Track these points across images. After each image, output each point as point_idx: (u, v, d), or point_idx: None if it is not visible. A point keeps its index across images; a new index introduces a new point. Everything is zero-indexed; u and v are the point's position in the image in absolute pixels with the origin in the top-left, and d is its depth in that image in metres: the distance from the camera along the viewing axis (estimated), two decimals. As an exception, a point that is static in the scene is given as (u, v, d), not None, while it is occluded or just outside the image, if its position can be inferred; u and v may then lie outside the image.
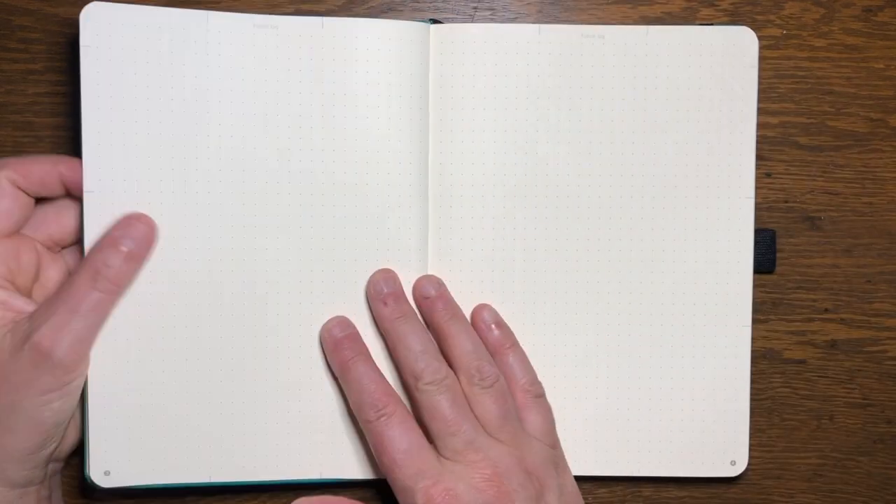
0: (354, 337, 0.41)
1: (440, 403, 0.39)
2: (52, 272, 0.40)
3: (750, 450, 0.43)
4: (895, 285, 0.45)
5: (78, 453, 0.42)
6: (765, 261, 0.44)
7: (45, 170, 0.39)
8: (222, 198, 0.40)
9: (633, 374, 0.43)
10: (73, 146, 0.43)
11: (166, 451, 0.40)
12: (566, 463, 0.41)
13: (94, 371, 0.40)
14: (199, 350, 0.41)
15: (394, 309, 0.40)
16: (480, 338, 0.41)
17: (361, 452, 0.41)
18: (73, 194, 0.40)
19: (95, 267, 0.38)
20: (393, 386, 0.40)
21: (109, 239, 0.38)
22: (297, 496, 0.44)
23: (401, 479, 0.37)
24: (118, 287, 0.38)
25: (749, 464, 0.43)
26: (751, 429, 0.44)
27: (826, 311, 0.45)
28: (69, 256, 0.41)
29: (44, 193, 0.39)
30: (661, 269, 0.43)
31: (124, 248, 0.38)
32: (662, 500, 0.45)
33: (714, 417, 0.43)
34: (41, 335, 0.36)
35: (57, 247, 0.41)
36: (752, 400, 0.43)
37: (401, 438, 0.38)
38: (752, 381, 0.44)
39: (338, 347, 0.40)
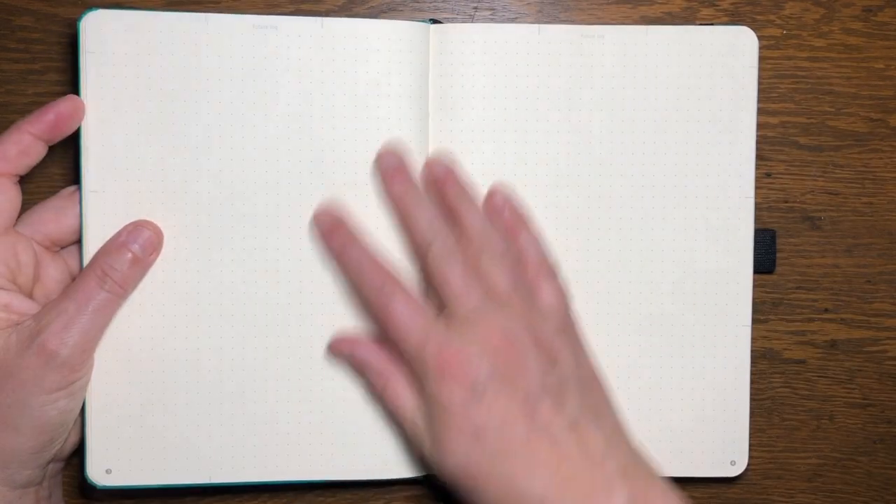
0: (343, 223, 0.40)
1: (450, 269, 0.38)
2: (52, 271, 0.40)
3: (750, 450, 0.43)
4: (895, 285, 0.45)
5: (78, 453, 0.42)
6: (765, 261, 0.44)
7: (16, 140, 0.38)
8: (222, 198, 0.40)
9: (633, 374, 0.43)
10: (72, 146, 0.43)
11: (167, 451, 0.41)
12: (582, 342, 0.40)
13: (96, 370, 0.40)
14: (199, 350, 0.41)
15: (401, 184, 0.40)
16: (492, 219, 0.41)
17: (363, 453, 0.41)
18: (57, 139, 0.39)
19: (103, 269, 0.38)
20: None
21: (117, 243, 0.39)
22: (297, 497, 0.44)
23: (412, 347, 0.37)
24: (124, 290, 0.39)
25: (749, 464, 0.43)
26: (751, 429, 0.44)
27: (826, 311, 0.45)
28: (68, 256, 0.41)
29: (30, 163, 0.39)
30: (661, 269, 0.43)
31: (131, 253, 0.39)
32: (662, 500, 0.45)
33: (714, 417, 0.43)
34: (49, 334, 0.36)
35: (55, 246, 0.41)
36: (752, 400, 0.43)
37: (406, 306, 0.38)
38: (752, 381, 0.44)
39: (331, 233, 0.40)
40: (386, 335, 0.38)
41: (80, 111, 0.39)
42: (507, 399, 0.36)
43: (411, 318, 0.37)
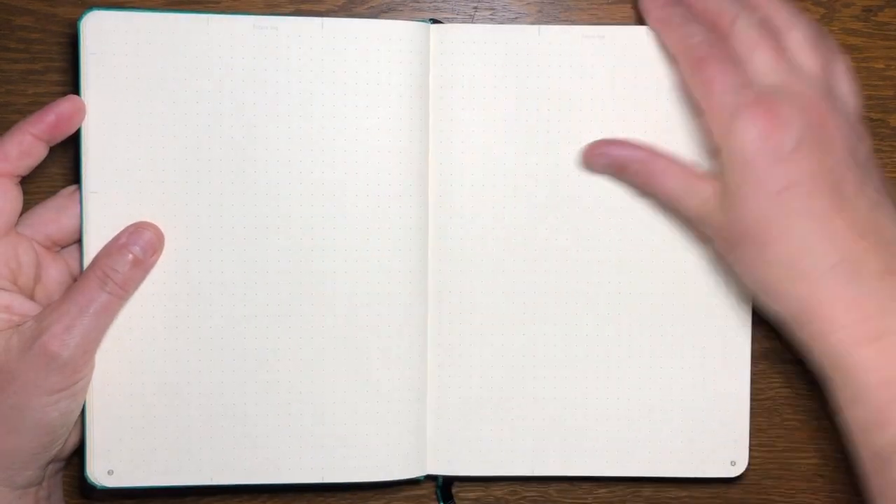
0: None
1: (761, 38, 0.37)
2: (53, 272, 0.40)
3: (750, 450, 0.43)
4: (895, 285, 0.45)
5: (78, 453, 0.42)
6: (765, 261, 0.44)
7: (18, 141, 0.38)
8: (223, 198, 0.40)
9: (633, 375, 0.43)
10: (72, 146, 0.43)
11: (168, 452, 0.41)
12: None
13: (98, 370, 0.40)
14: (200, 350, 0.41)
15: (664, 10, 0.40)
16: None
17: (363, 454, 0.41)
18: (58, 140, 0.39)
19: (104, 270, 0.38)
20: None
21: (118, 245, 0.39)
22: (296, 497, 0.44)
23: (719, 94, 0.37)
24: (125, 291, 0.39)
25: (749, 464, 0.43)
26: (751, 429, 0.44)
27: (826, 311, 0.45)
28: (69, 257, 0.41)
29: (31, 164, 0.39)
30: (661, 269, 0.43)
31: (132, 255, 0.39)
32: (662, 500, 0.45)
33: (714, 417, 0.43)
34: (50, 335, 0.36)
35: (56, 247, 0.41)
36: (752, 400, 0.43)
37: (722, 59, 0.37)
38: (753, 381, 0.44)
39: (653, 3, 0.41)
40: (697, 90, 0.38)
41: (80, 111, 0.39)
42: (817, 162, 0.35)
43: (723, 70, 0.37)
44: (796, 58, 0.38)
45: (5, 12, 0.43)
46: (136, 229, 0.40)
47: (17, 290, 0.39)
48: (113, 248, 0.39)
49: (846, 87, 0.39)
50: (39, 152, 0.39)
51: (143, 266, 0.40)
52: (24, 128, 0.38)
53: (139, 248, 0.39)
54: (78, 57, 0.40)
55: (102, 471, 0.40)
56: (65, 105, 0.39)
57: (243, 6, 0.44)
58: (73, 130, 0.39)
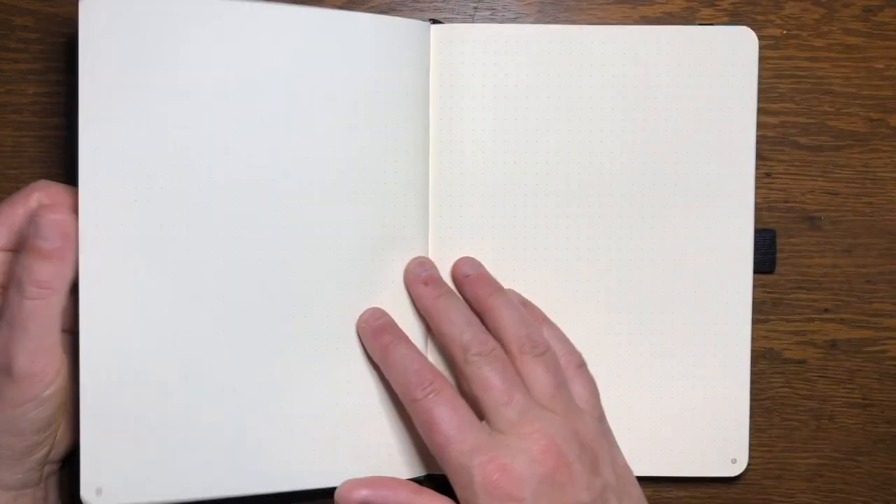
0: (390, 323, 0.40)
1: (491, 374, 0.37)
2: None
3: (750, 450, 0.43)
4: (895, 285, 0.45)
5: (76, 457, 0.41)
6: (765, 261, 0.44)
7: (77, 202, 0.37)
8: (220, 198, 0.39)
9: (634, 374, 0.43)
10: (72, 146, 0.43)
11: (160, 466, 0.39)
12: (613, 436, 0.40)
13: (86, 383, 0.38)
14: (190, 360, 0.39)
15: (433, 287, 0.40)
16: None
17: (367, 456, 0.41)
18: None
19: (18, 276, 0.35)
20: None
21: (24, 244, 0.36)
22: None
23: (455, 458, 0.36)
24: (49, 289, 0.35)
25: (749, 464, 0.43)
26: (751, 429, 0.44)
27: (826, 311, 0.45)
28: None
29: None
30: (661, 269, 0.43)
31: (40, 249, 0.35)
32: (662, 500, 0.45)
33: (714, 417, 0.43)
34: None
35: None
36: (752, 400, 0.43)
37: (452, 415, 0.37)
38: (752, 381, 0.44)
39: (376, 334, 0.40)
40: (426, 440, 0.38)
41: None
42: None
43: (457, 426, 0.36)
44: (531, 380, 0.38)
45: (5, 12, 0.43)
46: (36, 220, 0.35)
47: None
48: (22, 249, 0.36)
49: (584, 393, 0.40)
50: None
51: (56, 256, 0.35)
52: (33, 194, 0.37)
53: (46, 239, 0.35)
54: (77, 55, 0.39)
55: (91, 490, 0.38)
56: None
57: (243, 6, 0.44)
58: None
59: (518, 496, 0.35)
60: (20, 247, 0.36)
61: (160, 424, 0.39)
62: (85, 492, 0.38)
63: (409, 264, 0.41)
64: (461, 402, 0.37)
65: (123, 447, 0.38)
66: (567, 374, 0.40)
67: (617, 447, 0.40)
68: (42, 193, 0.37)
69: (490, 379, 0.37)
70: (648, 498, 0.45)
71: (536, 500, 0.35)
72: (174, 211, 0.39)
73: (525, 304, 0.42)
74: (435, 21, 0.42)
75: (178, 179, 0.39)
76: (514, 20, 0.44)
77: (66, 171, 0.43)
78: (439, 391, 0.37)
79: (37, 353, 0.36)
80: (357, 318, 0.41)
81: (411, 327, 0.41)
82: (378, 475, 0.40)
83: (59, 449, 0.40)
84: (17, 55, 0.43)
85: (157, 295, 0.39)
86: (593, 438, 0.38)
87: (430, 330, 0.41)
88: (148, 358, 0.38)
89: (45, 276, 0.35)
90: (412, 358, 0.39)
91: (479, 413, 0.38)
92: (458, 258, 0.42)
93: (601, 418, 0.40)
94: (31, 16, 0.43)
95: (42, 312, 0.35)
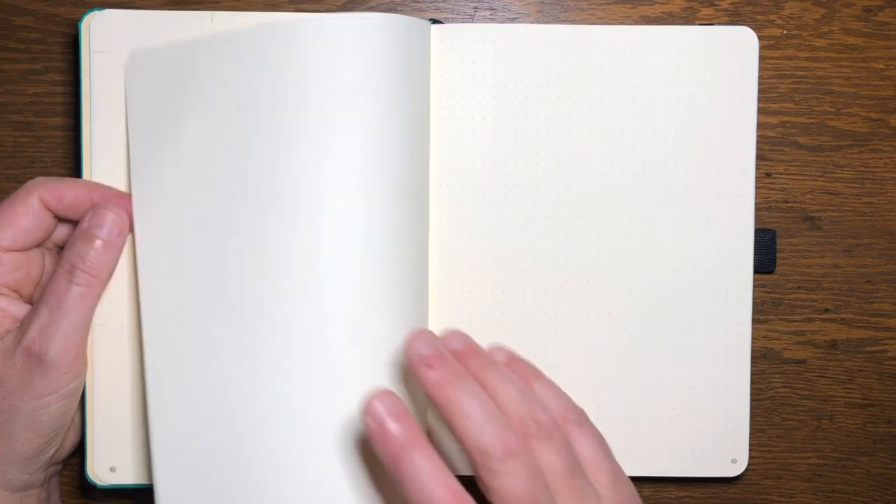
0: (403, 415, 0.33)
1: (516, 483, 0.32)
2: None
3: (750, 450, 0.43)
4: (895, 285, 0.45)
5: (77, 454, 0.42)
6: (765, 261, 0.44)
7: (76, 195, 0.38)
8: (226, 197, 0.40)
9: (634, 374, 0.43)
10: (73, 146, 0.43)
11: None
12: (630, 487, 0.37)
13: (99, 367, 0.40)
14: (201, 348, 0.40)
15: (442, 372, 0.33)
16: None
17: (363, 456, 0.41)
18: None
19: (71, 262, 0.37)
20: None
21: (81, 231, 0.38)
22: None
23: None
24: (97, 278, 0.38)
25: (749, 464, 0.43)
26: (751, 429, 0.44)
27: (826, 311, 0.45)
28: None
29: (71, 217, 0.39)
30: (661, 269, 0.43)
31: (99, 239, 0.38)
32: (662, 500, 0.45)
33: (714, 417, 0.43)
34: (29, 339, 0.36)
35: (57, 248, 0.41)
36: (752, 400, 0.43)
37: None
38: (752, 381, 0.44)
39: (386, 434, 0.32)
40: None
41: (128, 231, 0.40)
42: None
43: None
44: (545, 467, 0.33)
45: (5, 12, 0.43)
46: (96, 212, 0.38)
47: (15, 295, 0.39)
48: (77, 237, 0.38)
49: (589, 457, 0.35)
50: (87, 208, 0.39)
51: (111, 248, 0.38)
52: (92, 190, 0.39)
53: (104, 230, 0.38)
54: (78, 57, 0.40)
55: (105, 468, 0.40)
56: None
57: (243, 5, 0.44)
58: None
59: None
60: (64, 216, 0.39)
61: (169, 409, 0.40)
62: (98, 470, 0.40)
63: (407, 341, 0.34)
64: None
65: (135, 429, 0.40)
66: (570, 434, 0.36)
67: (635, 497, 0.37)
68: (98, 195, 0.39)
69: (516, 491, 0.32)
70: (648, 498, 0.45)
71: None
72: (182, 209, 0.40)
73: (514, 360, 0.38)
74: (435, 21, 0.42)
75: (188, 184, 0.40)
76: (514, 20, 0.44)
77: (67, 171, 0.44)
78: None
79: (72, 341, 0.37)
80: (364, 319, 0.40)
81: (418, 295, 0.41)
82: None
83: (64, 449, 0.40)
84: (17, 55, 0.43)
85: (165, 292, 0.40)
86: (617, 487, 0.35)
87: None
88: (156, 343, 0.40)
89: (98, 265, 0.38)
90: (431, 475, 0.32)
91: None
92: (447, 332, 0.36)
93: (615, 472, 0.36)
94: (31, 16, 0.43)
95: (87, 300, 0.37)
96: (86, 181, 0.39)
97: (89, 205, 0.39)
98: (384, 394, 0.33)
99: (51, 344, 0.36)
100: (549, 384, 0.37)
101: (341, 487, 0.39)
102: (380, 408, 0.33)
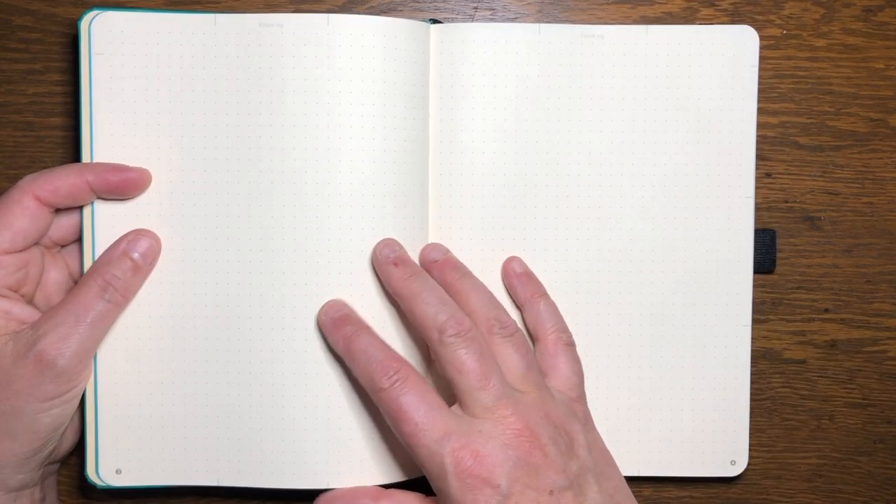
0: (351, 314, 0.39)
1: (467, 356, 0.36)
2: (54, 273, 0.40)
3: (750, 450, 0.43)
4: (895, 285, 0.45)
5: (77, 454, 0.41)
6: (765, 261, 0.44)
7: (72, 182, 0.38)
8: (228, 198, 0.40)
9: (634, 374, 0.43)
10: (73, 146, 0.43)
11: (177, 451, 0.41)
12: (592, 421, 0.40)
13: (103, 370, 0.40)
14: (207, 351, 0.41)
15: (404, 269, 0.39)
16: (511, 288, 0.42)
17: (371, 459, 0.41)
18: (110, 196, 0.40)
19: (105, 278, 0.38)
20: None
21: (118, 251, 0.39)
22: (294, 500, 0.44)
23: (426, 445, 0.35)
24: (125, 298, 0.39)
25: (749, 464, 0.43)
26: (751, 429, 0.44)
27: (826, 311, 0.45)
28: (68, 256, 0.41)
29: (71, 205, 0.39)
30: (661, 269, 0.43)
31: (131, 261, 0.39)
32: (662, 500, 0.45)
33: (714, 417, 0.43)
34: (47, 343, 0.36)
35: (56, 247, 0.41)
36: (752, 400, 0.43)
37: (420, 401, 0.35)
38: (752, 381, 0.44)
39: (337, 325, 0.39)
40: (396, 430, 0.36)
41: (144, 184, 0.40)
42: (534, 494, 0.35)
43: (426, 413, 0.35)
44: (503, 361, 0.37)
45: (5, 12, 0.43)
46: (136, 236, 0.40)
47: (17, 296, 0.39)
48: (113, 255, 0.39)
49: (567, 371, 0.40)
50: (86, 199, 0.39)
51: (142, 273, 0.40)
52: (83, 172, 0.38)
53: (139, 254, 0.39)
54: (78, 57, 0.40)
55: (110, 470, 0.40)
56: (133, 174, 0.39)
57: (244, 6, 0.44)
58: (127, 196, 0.40)
59: (493, 482, 0.34)
60: (65, 206, 0.39)
61: (175, 411, 0.41)
62: (102, 473, 0.40)
63: (376, 246, 0.40)
64: (429, 389, 0.37)
65: (140, 431, 0.41)
66: (554, 350, 0.40)
67: (594, 430, 0.39)
68: (93, 175, 0.39)
69: (466, 362, 0.36)
70: (648, 498, 0.45)
71: (511, 485, 0.34)
72: (182, 210, 0.41)
73: (527, 274, 0.42)
74: (435, 21, 0.42)
75: (188, 183, 0.41)
76: (514, 20, 0.44)
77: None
78: (405, 379, 0.36)
79: (86, 352, 0.37)
80: (365, 318, 0.41)
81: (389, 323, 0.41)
82: (340, 488, 0.39)
83: (62, 449, 0.40)
84: (17, 55, 0.43)
85: (168, 293, 0.40)
86: (565, 418, 0.37)
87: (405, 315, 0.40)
88: (162, 347, 0.41)
89: (129, 285, 0.39)
90: (375, 347, 0.37)
91: (450, 396, 0.37)
92: (425, 245, 0.41)
93: (580, 398, 0.40)
94: (30, 16, 0.43)
95: (111, 316, 0.39)
96: (74, 165, 0.39)
97: (87, 188, 0.39)
98: (334, 300, 0.40)
99: (67, 352, 0.36)
100: (552, 305, 0.42)
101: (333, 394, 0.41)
102: (329, 307, 0.40)
